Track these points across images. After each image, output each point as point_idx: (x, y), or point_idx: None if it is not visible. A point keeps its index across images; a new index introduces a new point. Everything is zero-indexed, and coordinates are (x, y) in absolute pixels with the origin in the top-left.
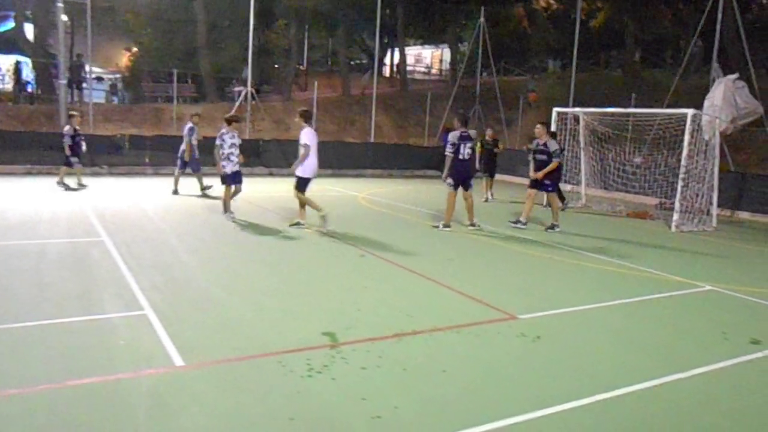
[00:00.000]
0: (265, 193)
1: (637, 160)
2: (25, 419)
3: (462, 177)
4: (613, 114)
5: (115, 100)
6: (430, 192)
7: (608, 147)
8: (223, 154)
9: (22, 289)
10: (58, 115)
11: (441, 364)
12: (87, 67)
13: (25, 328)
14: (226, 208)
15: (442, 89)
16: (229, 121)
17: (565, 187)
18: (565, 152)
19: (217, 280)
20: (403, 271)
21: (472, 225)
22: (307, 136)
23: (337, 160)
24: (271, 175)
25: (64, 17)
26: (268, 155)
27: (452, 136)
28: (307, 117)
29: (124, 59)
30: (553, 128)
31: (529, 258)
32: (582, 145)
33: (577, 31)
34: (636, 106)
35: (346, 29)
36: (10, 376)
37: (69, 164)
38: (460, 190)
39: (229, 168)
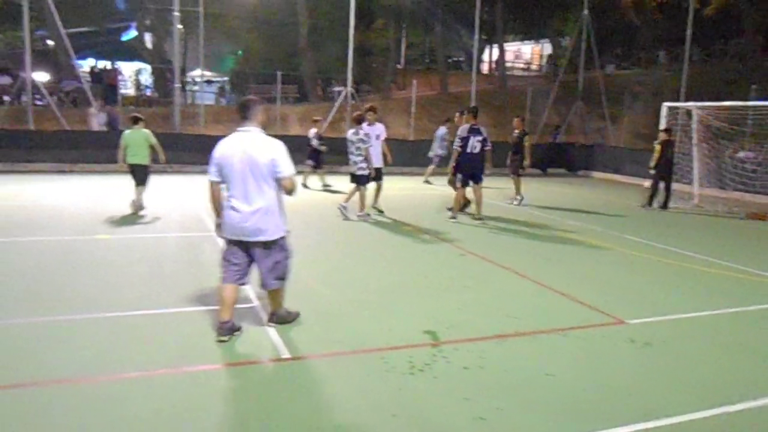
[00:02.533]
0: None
1: (743, 154)
2: (146, 400)
3: (470, 171)
4: (730, 108)
5: (224, 101)
6: (529, 190)
7: (725, 143)
8: (359, 152)
9: (143, 280)
10: (172, 117)
11: (545, 368)
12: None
13: (145, 316)
14: (362, 207)
15: (543, 85)
16: (358, 120)
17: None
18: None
19: (320, 277)
20: (503, 270)
21: (479, 219)
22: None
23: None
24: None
25: (180, 26)
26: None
27: (461, 130)
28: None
29: (231, 63)
30: (663, 124)
31: (636, 260)
32: (694, 141)
33: (690, 20)
34: (757, 99)
35: (444, 27)
36: (132, 361)
37: (317, 166)
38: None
39: (365, 167)
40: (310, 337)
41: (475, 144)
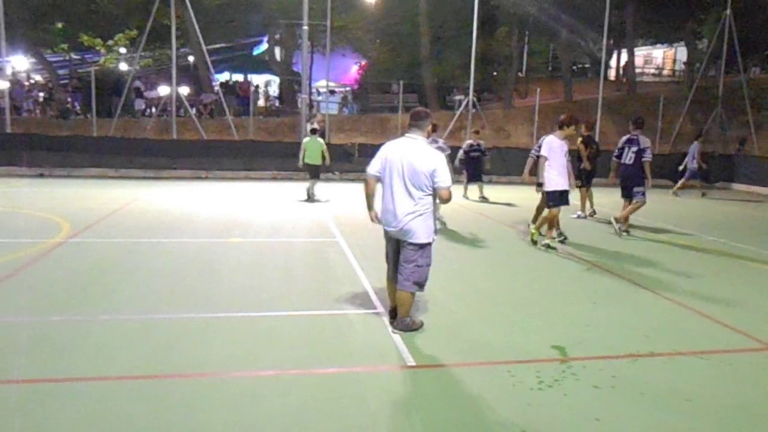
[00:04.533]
0: (502, 200)
1: None
2: (278, 398)
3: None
4: None
5: (346, 111)
6: (662, 203)
7: None
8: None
9: (273, 282)
10: (299, 127)
11: (684, 393)
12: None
13: (277, 317)
14: (550, 228)
15: (675, 92)
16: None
17: None
18: None
19: (446, 287)
20: (634, 286)
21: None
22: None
23: None
24: (491, 182)
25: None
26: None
27: (621, 141)
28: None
29: (354, 73)
30: None
31: None
32: None
33: None
34: None
35: (569, 32)
36: (268, 359)
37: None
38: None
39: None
40: (435, 345)
41: (629, 155)
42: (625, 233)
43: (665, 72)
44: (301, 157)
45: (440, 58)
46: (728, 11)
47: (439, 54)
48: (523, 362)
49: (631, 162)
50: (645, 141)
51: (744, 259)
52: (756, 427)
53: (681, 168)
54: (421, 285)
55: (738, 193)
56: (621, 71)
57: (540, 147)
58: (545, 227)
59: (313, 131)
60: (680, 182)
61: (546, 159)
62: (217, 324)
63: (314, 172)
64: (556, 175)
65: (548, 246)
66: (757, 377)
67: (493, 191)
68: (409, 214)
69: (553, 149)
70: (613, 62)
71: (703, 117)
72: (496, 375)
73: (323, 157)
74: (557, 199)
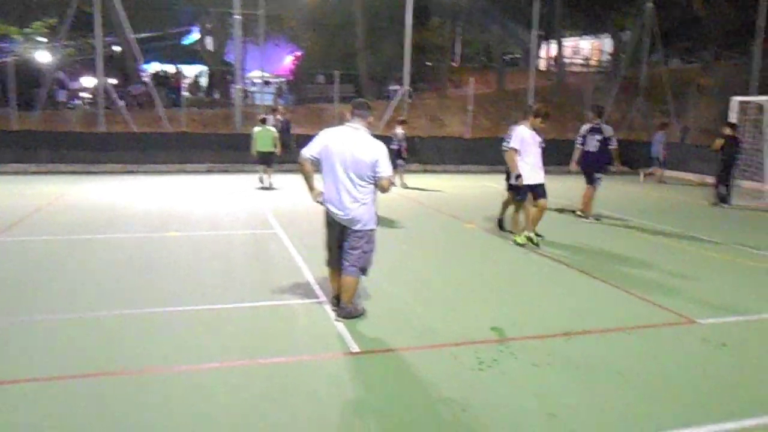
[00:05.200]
0: (439, 188)
1: None
2: (227, 391)
3: (587, 170)
4: None
5: (281, 102)
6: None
7: None
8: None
9: (214, 275)
10: (233, 118)
11: (616, 366)
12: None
13: (219, 310)
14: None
15: (602, 81)
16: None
17: (742, 183)
18: (746, 146)
19: (387, 274)
20: (569, 269)
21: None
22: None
23: (494, 156)
24: (425, 171)
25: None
26: (424, 153)
27: (582, 129)
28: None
29: (288, 63)
30: (733, 119)
31: (708, 259)
32: (766, 137)
33: (762, 11)
34: None
35: (500, 23)
36: (211, 352)
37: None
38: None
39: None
40: (378, 331)
41: (594, 143)
42: (595, 220)
43: (592, 62)
44: (252, 146)
45: (375, 49)
46: (650, 4)
47: (374, 44)
48: (464, 344)
49: (596, 150)
50: (608, 129)
51: (669, 239)
52: (678, 394)
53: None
54: (365, 270)
55: (672, 179)
56: (551, 62)
57: (510, 139)
58: (522, 222)
59: (263, 121)
60: (650, 169)
61: (517, 151)
62: (157, 319)
63: (268, 160)
64: (529, 169)
65: (515, 242)
66: (679, 349)
67: (429, 180)
68: (354, 202)
69: (525, 141)
70: (543, 53)
71: (628, 106)
72: (439, 357)
73: (275, 146)
74: (527, 193)
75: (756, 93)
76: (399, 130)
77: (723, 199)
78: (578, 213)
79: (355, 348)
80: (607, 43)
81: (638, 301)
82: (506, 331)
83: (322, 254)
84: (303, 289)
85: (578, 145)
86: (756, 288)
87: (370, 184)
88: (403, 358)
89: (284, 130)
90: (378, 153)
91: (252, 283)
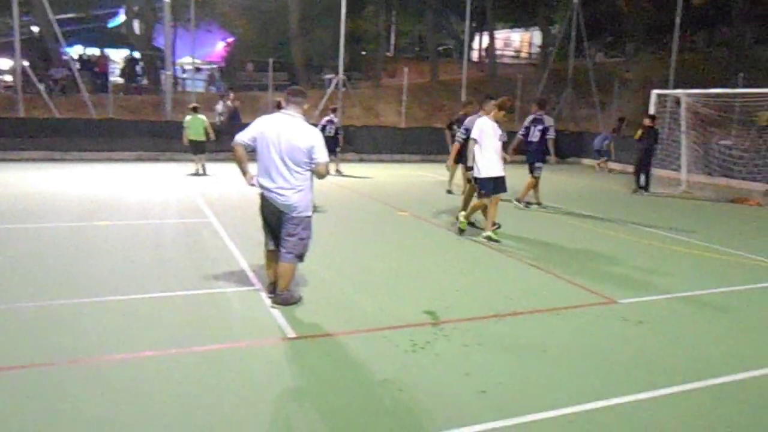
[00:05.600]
0: (373, 177)
1: (726, 142)
2: (162, 379)
3: (529, 159)
4: (718, 95)
5: (213, 89)
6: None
7: (712, 131)
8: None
9: (145, 264)
10: (163, 105)
11: (542, 345)
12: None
13: (152, 299)
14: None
15: (532, 73)
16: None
17: (661, 172)
18: (663, 136)
19: (322, 261)
20: (499, 254)
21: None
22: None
23: (427, 146)
24: (361, 161)
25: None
26: (359, 142)
27: (527, 120)
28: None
29: (220, 50)
30: (651, 111)
31: (629, 243)
32: (683, 129)
33: (679, 8)
34: (744, 87)
35: (434, 14)
36: (144, 340)
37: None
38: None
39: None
40: (314, 317)
41: (536, 133)
42: (538, 206)
43: (523, 55)
44: (184, 135)
45: (310, 37)
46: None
47: (308, 32)
48: (398, 328)
49: (537, 139)
50: (549, 120)
51: (593, 225)
52: (599, 368)
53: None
54: (302, 257)
55: (582, 167)
56: (483, 53)
57: (467, 129)
58: (477, 217)
59: (194, 109)
60: (603, 159)
61: (476, 142)
62: (87, 309)
63: (200, 148)
64: (488, 160)
65: (489, 238)
66: (601, 327)
67: (364, 168)
68: (290, 189)
69: (485, 132)
70: (475, 44)
71: (556, 97)
72: (373, 341)
73: (207, 133)
74: (490, 186)
75: (673, 86)
76: (334, 118)
77: (642, 187)
78: (516, 201)
79: (292, 334)
80: (536, 36)
81: (565, 283)
82: (439, 314)
83: (256, 242)
84: (238, 277)
85: (520, 135)
86: (669, 269)
87: (307, 170)
88: (339, 342)
89: (232, 117)
90: (313, 140)
91: (186, 272)
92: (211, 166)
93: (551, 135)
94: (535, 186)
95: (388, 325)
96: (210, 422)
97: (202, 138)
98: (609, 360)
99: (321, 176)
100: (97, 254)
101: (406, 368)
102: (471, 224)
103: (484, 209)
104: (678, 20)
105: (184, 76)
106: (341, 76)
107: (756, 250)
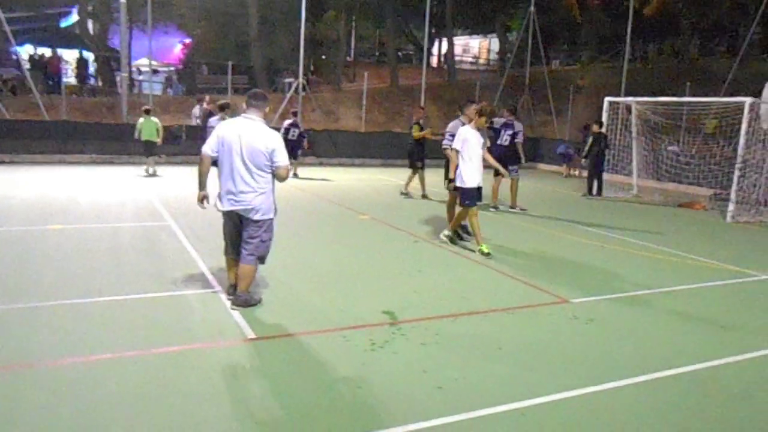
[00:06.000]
0: (332, 180)
1: (673, 148)
2: (120, 381)
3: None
4: (666, 103)
5: (171, 92)
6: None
7: (661, 137)
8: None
9: (101, 268)
10: (118, 107)
11: (497, 343)
12: (144, 60)
13: (111, 302)
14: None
15: (490, 79)
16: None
17: (614, 177)
18: (615, 142)
19: (282, 264)
20: (456, 256)
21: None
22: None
23: (387, 150)
24: (321, 164)
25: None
26: (319, 145)
27: (496, 123)
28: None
29: (178, 52)
30: (604, 117)
31: (581, 245)
32: (633, 135)
33: (630, 19)
34: (691, 96)
35: (394, 20)
36: (102, 343)
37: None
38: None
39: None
40: (273, 318)
41: (506, 137)
42: (521, 210)
43: (481, 61)
44: (136, 136)
45: (270, 40)
46: (532, 8)
47: (268, 36)
48: (357, 328)
49: (507, 143)
50: (519, 125)
51: (548, 228)
52: (550, 364)
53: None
54: (263, 259)
55: (538, 172)
56: (442, 59)
57: (453, 135)
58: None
59: (147, 111)
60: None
61: (458, 152)
62: (42, 313)
63: (151, 150)
64: (471, 170)
65: (450, 239)
66: (553, 325)
67: (325, 172)
68: (251, 192)
69: (469, 141)
70: (435, 50)
71: (514, 103)
72: (332, 341)
73: (158, 136)
74: (474, 196)
75: (625, 94)
76: (297, 121)
77: (594, 191)
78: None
79: (252, 334)
80: (494, 43)
81: (520, 284)
82: (397, 314)
83: (215, 245)
84: (197, 280)
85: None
86: (619, 270)
87: (268, 173)
88: (299, 342)
89: (207, 119)
90: (274, 143)
91: (144, 275)
92: (168, 169)
93: (519, 139)
94: (497, 187)
95: (347, 326)
96: (172, 422)
97: (155, 139)
98: (560, 356)
99: (282, 179)
100: (51, 258)
101: (365, 366)
102: (461, 236)
103: (457, 216)
104: (629, 30)
105: (141, 78)
106: (301, 80)
107: (702, 252)
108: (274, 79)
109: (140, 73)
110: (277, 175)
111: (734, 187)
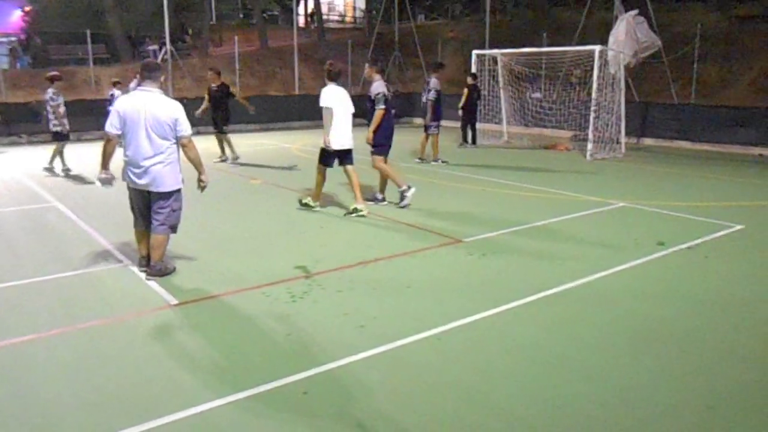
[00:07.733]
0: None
1: (536, 95)
2: (51, 356)
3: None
4: (527, 54)
5: (19, 65)
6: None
7: (525, 86)
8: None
9: None
10: None
11: (406, 282)
12: None
13: (16, 287)
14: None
15: (359, 37)
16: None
17: (485, 125)
18: (485, 93)
19: (191, 235)
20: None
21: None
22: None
23: (264, 114)
24: (198, 133)
25: None
26: (193, 115)
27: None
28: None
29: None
30: (473, 70)
31: (463, 191)
32: (501, 84)
33: None
34: (548, 45)
35: None
36: (22, 325)
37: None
38: None
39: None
40: (192, 284)
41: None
42: (443, 162)
43: (348, 19)
44: None
45: (128, 6)
46: None
47: (126, 1)
48: (274, 284)
49: (425, 101)
50: (433, 83)
51: (432, 177)
52: (453, 294)
53: None
54: (175, 228)
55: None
56: (309, 19)
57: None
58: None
59: None
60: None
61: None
62: None
63: None
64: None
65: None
66: (451, 263)
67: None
68: (157, 164)
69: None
70: (301, 9)
71: (385, 60)
72: (254, 298)
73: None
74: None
75: (490, 47)
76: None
77: (469, 140)
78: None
79: (174, 301)
80: (359, 0)
81: (418, 231)
82: (310, 268)
83: (112, 221)
84: (103, 256)
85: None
86: (501, 209)
87: (173, 143)
88: (223, 302)
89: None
90: (176, 112)
91: (45, 258)
92: (31, 150)
93: (428, 97)
94: (424, 143)
95: (265, 283)
96: (119, 386)
97: None
98: (462, 287)
99: (189, 151)
100: None
101: (290, 317)
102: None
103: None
104: None
105: None
106: (169, 46)
107: (569, 188)
108: (137, 48)
109: None
110: (182, 145)
111: (591, 127)
